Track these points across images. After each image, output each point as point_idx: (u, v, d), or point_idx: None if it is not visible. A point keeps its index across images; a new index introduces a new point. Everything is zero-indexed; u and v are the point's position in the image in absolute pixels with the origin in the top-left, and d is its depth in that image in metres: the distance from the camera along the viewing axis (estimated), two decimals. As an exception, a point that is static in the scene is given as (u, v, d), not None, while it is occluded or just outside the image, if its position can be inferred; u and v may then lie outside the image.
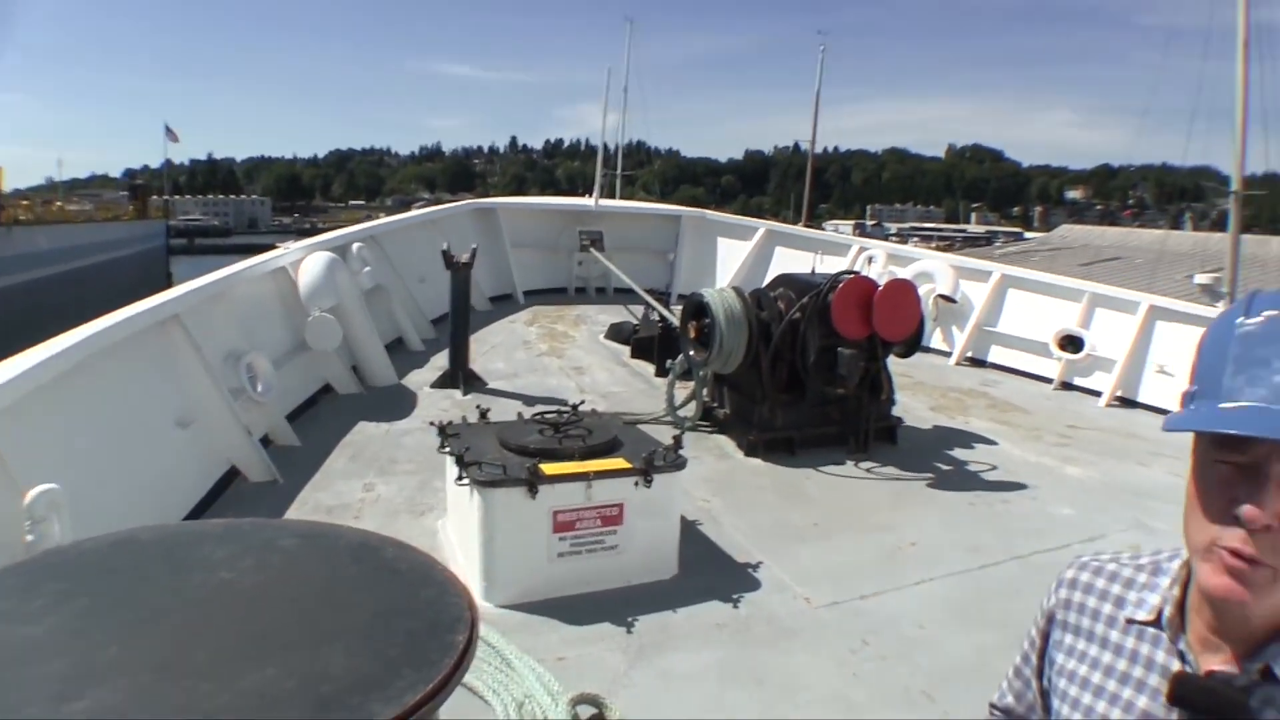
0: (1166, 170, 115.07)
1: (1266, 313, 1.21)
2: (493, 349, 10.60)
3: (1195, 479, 1.24)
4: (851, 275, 7.78)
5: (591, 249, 14.03)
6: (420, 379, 9.23)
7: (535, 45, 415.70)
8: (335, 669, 1.35)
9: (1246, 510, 1.14)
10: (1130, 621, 1.39)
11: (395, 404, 8.38)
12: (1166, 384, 9.91)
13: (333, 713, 1.24)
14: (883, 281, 7.73)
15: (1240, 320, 1.23)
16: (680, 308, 8.46)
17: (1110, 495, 7.08)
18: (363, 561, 1.74)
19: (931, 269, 12.44)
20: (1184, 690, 1.26)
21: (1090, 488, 7.27)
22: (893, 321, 7.51)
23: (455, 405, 8.00)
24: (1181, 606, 1.33)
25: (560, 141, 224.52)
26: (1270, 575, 1.15)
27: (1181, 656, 1.30)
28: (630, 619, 4.66)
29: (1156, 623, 1.36)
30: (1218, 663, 1.26)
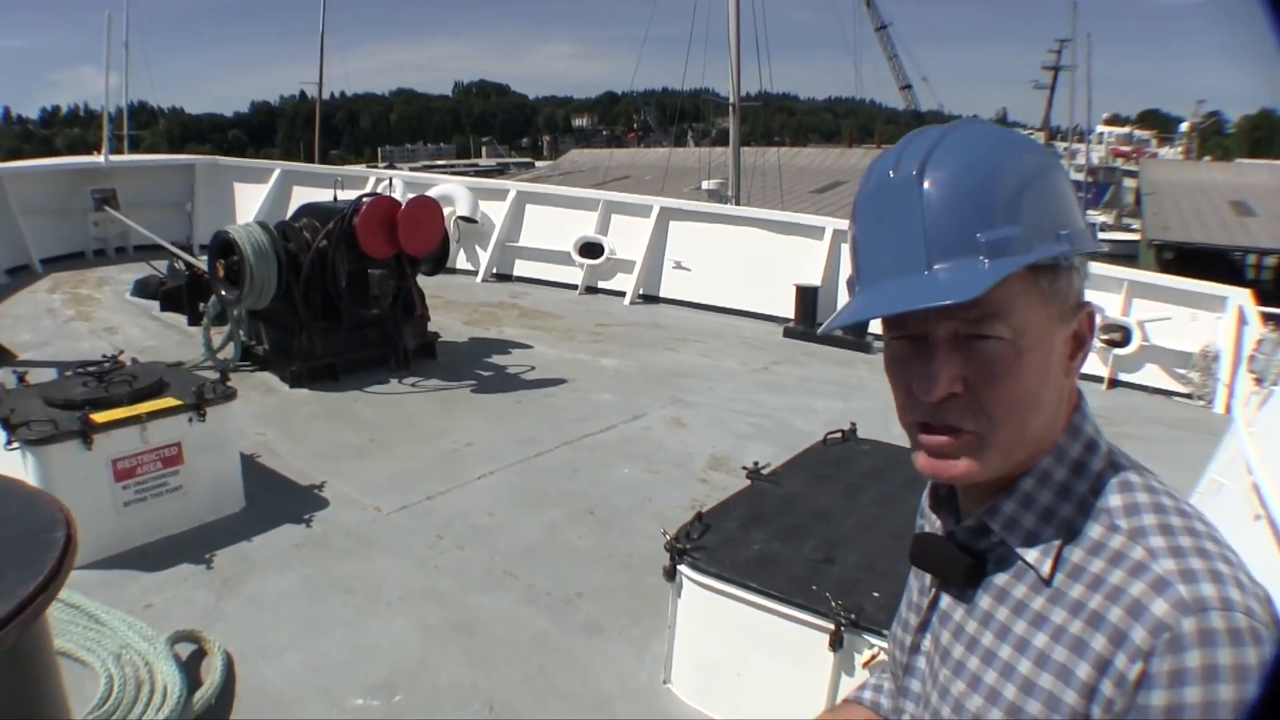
0: (667, 94, 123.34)
1: (878, 175, 1.14)
2: (16, 321, 9.78)
3: (886, 362, 1.20)
4: (374, 197, 7.95)
5: (106, 207, 13.19)
6: None
7: (19, 5, 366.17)
8: None
9: (919, 384, 1.12)
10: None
11: None
12: (684, 278, 11.03)
13: None
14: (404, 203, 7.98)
15: (861, 190, 1.17)
16: (205, 256, 8.25)
17: (646, 380, 7.90)
18: None
19: (450, 192, 12.78)
20: (915, 549, 1.31)
21: (626, 375, 8.04)
22: (417, 237, 7.84)
23: (-13, 384, 7.39)
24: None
25: (58, 108, 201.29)
26: (975, 440, 1.12)
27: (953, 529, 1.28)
28: (208, 555, 4.73)
29: (934, 504, 1.36)
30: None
